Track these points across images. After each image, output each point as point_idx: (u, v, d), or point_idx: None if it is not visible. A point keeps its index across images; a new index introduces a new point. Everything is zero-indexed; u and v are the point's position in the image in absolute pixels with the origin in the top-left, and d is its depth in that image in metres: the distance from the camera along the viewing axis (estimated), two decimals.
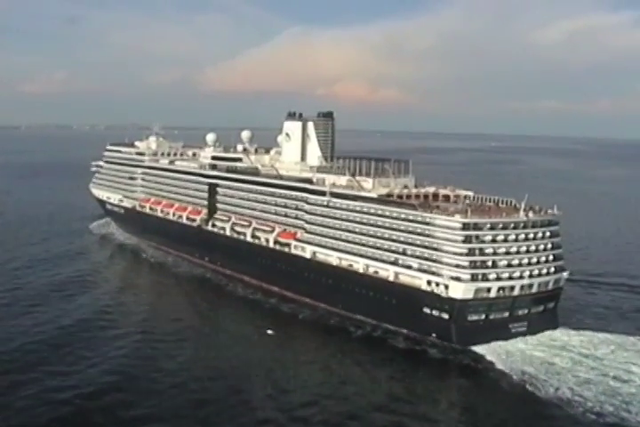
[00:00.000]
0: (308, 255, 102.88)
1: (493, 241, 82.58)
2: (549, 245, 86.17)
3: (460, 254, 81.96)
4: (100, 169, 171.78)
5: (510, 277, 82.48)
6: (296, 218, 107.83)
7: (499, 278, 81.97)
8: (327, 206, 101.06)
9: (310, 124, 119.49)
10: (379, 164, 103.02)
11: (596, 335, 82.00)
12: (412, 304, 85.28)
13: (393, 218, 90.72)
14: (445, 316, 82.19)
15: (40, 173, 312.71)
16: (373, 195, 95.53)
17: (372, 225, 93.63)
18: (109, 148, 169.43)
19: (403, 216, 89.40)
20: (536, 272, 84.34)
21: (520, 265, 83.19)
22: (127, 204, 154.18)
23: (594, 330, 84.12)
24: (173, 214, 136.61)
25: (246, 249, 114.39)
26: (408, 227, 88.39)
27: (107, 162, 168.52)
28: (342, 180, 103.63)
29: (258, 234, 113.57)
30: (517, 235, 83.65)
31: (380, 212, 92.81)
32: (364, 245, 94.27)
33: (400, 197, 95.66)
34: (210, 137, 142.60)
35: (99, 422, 61.54)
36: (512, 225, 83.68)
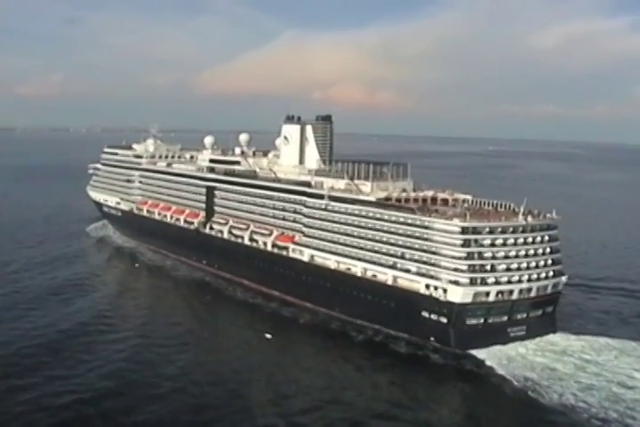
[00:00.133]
0: (305, 259, 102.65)
1: (492, 245, 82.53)
2: (548, 250, 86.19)
3: (459, 258, 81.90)
4: (97, 171, 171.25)
5: (509, 282, 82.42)
6: (294, 221, 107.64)
7: (497, 282, 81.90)
8: (325, 210, 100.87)
9: (309, 128, 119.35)
10: (377, 167, 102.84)
11: (596, 340, 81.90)
12: (411, 308, 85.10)
13: (391, 222, 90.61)
14: (444, 320, 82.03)
15: (36, 175, 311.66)
16: (372, 198, 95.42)
17: (370, 229, 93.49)
18: (107, 150, 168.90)
19: (401, 220, 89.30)
20: (535, 276, 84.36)
21: (519, 269, 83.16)
22: (124, 206, 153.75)
23: (594, 335, 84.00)
24: (171, 217, 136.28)
25: (244, 252, 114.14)
26: (407, 231, 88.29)
27: (104, 164, 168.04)
28: (341, 183, 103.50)
29: (256, 237, 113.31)
30: (516, 239, 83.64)
31: (378, 215, 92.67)
32: (362, 248, 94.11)
33: (399, 200, 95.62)
34: (208, 140, 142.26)
35: None
36: (511, 229, 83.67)
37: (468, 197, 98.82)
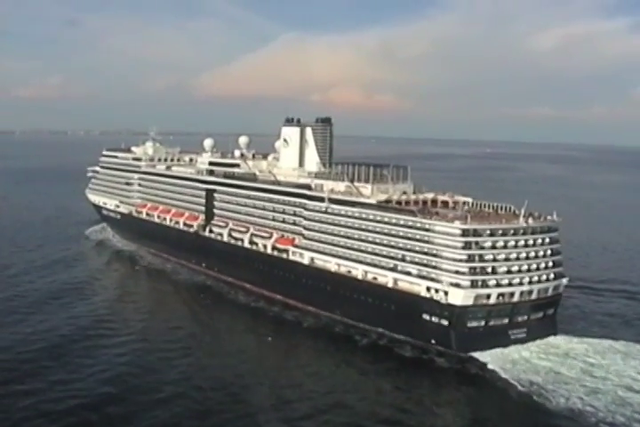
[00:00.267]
0: (306, 261, 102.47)
1: (493, 247, 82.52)
2: (549, 252, 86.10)
3: (460, 261, 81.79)
4: (96, 174, 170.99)
5: (510, 284, 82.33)
6: (294, 224, 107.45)
7: (498, 285, 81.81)
8: (326, 212, 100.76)
9: (308, 130, 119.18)
10: (377, 170, 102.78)
11: (600, 343, 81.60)
12: (412, 311, 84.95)
13: (392, 224, 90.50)
14: (445, 322, 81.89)
15: (36, 178, 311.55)
16: (372, 201, 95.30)
17: (370, 231, 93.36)
18: (106, 153, 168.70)
19: (402, 222, 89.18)
20: (536, 279, 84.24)
21: (520, 271, 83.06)
22: (124, 209, 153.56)
23: (598, 337, 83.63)
24: (170, 220, 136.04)
25: (244, 255, 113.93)
26: (407, 233, 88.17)
27: (103, 167, 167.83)
28: (341, 186, 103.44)
29: (255, 240, 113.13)
30: (517, 241, 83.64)
31: (379, 218, 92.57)
32: (362, 251, 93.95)
33: (399, 203, 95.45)
34: (207, 143, 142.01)
35: None
36: (512, 231, 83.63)
37: (469, 200, 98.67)
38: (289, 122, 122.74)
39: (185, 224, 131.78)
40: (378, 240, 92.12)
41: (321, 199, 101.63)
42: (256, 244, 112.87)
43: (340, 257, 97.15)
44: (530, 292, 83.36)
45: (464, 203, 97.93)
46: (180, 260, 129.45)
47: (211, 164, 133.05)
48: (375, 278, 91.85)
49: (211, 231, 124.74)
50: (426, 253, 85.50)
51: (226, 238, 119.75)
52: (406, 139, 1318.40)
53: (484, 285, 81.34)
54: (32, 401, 65.05)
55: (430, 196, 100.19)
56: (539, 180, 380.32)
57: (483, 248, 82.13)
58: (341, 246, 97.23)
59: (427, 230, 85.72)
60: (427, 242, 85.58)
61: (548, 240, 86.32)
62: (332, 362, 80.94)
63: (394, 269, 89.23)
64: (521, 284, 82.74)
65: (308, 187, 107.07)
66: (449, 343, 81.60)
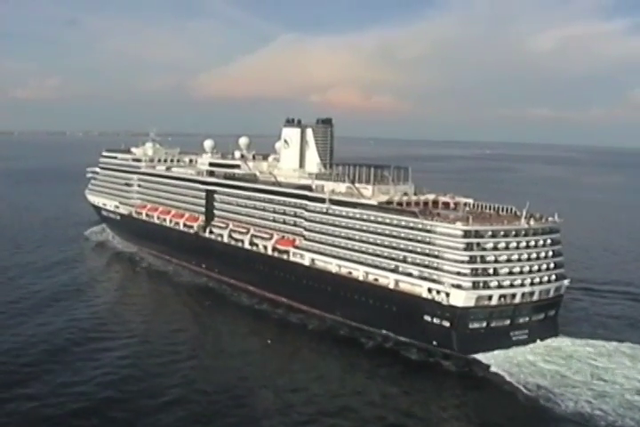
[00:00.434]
0: (306, 263, 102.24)
1: (495, 249, 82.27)
2: (550, 253, 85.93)
3: (462, 262, 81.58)
4: (95, 175, 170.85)
5: (512, 285, 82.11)
6: (295, 225, 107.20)
7: (500, 286, 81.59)
8: (327, 214, 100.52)
9: (309, 131, 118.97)
10: (378, 171, 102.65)
11: (605, 345, 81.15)
12: (413, 312, 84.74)
13: (393, 225, 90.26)
14: (446, 324, 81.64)
15: (35, 178, 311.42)
16: (373, 202, 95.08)
17: (372, 232, 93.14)
18: (105, 154, 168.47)
19: (403, 223, 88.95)
20: (537, 280, 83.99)
21: (521, 273, 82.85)
22: (123, 210, 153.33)
23: (603, 340, 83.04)
24: (170, 221, 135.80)
25: (244, 256, 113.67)
26: (408, 234, 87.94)
27: (102, 168, 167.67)
28: (342, 187, 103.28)
29: (256, 241, 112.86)
30: (519, 242, 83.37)
31: (380, 219, 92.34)
32: (363, 252, 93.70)
33: (400, 204, 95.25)
34: (207, 143, 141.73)
35: None
36: (513, 233, 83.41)
37: (470, 201, 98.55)
38: (289, 123, 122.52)
39: (185, 225, 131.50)
40: (379, 241, 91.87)
41: (322, 200, 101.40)
42: (256, 245, 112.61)
43: (340, 258, 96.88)
44: (531, 293, 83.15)
45: (465, 204, 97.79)
46: (179, 261, 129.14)
47: (211, 165, 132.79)
48: (376, 280, 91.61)
49: (211, 232, 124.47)
50: (427, 255, 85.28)
51: (226, 239, 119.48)
52: (405, 140, 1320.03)
53: (486, 286, 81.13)
54: (34, 405, 64.40)
55: (431, 197, 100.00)
56: (539, 181, 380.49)
57: (484, 249, 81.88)
58: (342, 248, 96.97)
59: (428, 232, 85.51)
60: (428, 243, 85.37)
61: (549, 241, 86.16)
62: (338, 365, 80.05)
63: (395, 271, 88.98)
64: (522, 285, 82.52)
65: (308, 188, 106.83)
66: (450, 345, 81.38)
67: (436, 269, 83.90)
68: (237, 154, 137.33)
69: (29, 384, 69.35)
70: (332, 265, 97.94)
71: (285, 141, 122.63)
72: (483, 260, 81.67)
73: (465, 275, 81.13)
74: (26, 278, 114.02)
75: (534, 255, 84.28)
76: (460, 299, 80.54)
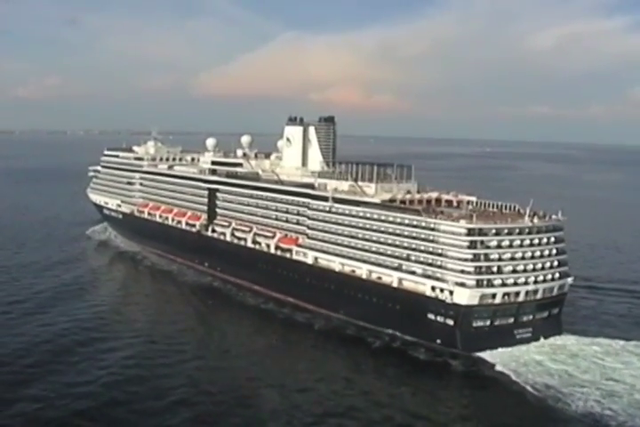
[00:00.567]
0: (309, 261, 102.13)
1: (498, 247, 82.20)
2: (554, 251, 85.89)
3: (465, 260, 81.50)
4: (97, 174, 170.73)
5: (515, 283, 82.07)
6: (297, 223, 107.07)
7: (504, 284, 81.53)
8: (329, 212, 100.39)
9: (311, 129, 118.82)
10: (381, 169, 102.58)
11: (611, 344, 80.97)
12: (417, 310, 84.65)
13: (397, 223, 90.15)
14: (450, 322, 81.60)
15: (36, 178, 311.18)
16: (376, 200, 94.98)
17: (375, 231, 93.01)
18: (107, 152, 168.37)
19: (407, 222, 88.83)
20: (541, 278, 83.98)
21: (525, 271, 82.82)
22: (125, 209, 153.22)
23: (610, 338, 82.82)
24: (172, 220, 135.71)
25: (247, 255, 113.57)
26: (412, 232, 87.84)
27: (104, 167, 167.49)
28: (344, 185, 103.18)
29: (259, 240, 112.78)
30: (522, 240, 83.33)
31: (383, 217, 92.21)
32: (367, 250, 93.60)
33: (403, 202, 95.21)
34: (210, 142, 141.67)
35: None
36: (517, 231, 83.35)
37: (473, 199, 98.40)
38: (292, 121, 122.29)
39: (187, 224, 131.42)
40: (382, 239, 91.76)
41: (325, 198, 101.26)
42: (259, 243, 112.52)
43: (344, 256, 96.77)
44: (535, 291, 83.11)
45: (468, 202, 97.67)
46: (182, 259, 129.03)
47: (213, 163, 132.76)
48: (380, 278, 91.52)
49: (213, 231, 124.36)
50: (431, 253, 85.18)
51: (229, 238, 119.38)
52: (405, 138, 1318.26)
53: (490, 284, 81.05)
54: (39, 406, 64.10)
55: (434, 195, 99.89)
56: (540, 179, 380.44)
57: (488, 247, 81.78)
58: (345, 246, 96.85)
59: (432, 229, 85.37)
60: (432, 241, 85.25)
61: (553, 239, 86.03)
62: (344, 365, 79.48)
63: (398, 269, 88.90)
64: (526, 283, 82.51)
65: (311, 186, 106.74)
66: (454, 343, 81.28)
67: (439, 267, 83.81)
68: (240, 152, 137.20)
69: (34, 385, 69.03)
70: (336, 263, 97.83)
71: (288, 140, 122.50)
72: (486, 258, 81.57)
73: (469, 273, 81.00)
74: (29, 278, 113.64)
75: (538, 253, 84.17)
76: (464, 297, 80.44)
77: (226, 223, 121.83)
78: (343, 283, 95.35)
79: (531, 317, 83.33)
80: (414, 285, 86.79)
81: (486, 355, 78.63)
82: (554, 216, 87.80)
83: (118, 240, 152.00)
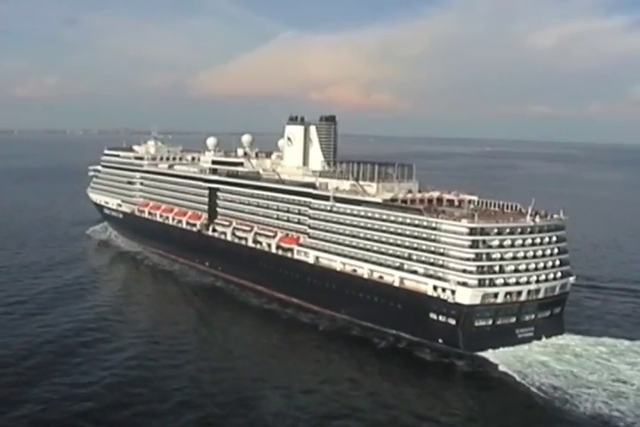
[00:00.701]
0: (311, 260, 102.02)
1: (500, 246, 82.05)
2: (556, 250, 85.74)
3: (467, 260, 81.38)
4: (97, 173, 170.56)
5: (517, 283, 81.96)
6: (298, 223, 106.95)
7: (506, 284, 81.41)
8: (331, 211, 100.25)
9: (312, 129, 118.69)
10: (382, 168, 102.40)
11: (616, 344, 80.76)
12: (418, 310, 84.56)
13: (398, 223, 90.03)
14: (452, 321, 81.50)
15: (35, 177, 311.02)
16: (378, 199, 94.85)
17: (376, 230, 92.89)
18: (107, 152, 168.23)
19: (408, 221, 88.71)
20: (543, 277, 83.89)
21: (527, 270, 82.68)
22: (126, 208, 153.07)
23: (615, 338, 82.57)
24: (173, 219, 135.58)
25: (248, 254, 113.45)
26: (414, 232, 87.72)
27: (104, 166, 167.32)
28: (346, 184, 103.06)
29: (259, 239, 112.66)
30: (524, 240, 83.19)
31: (384, 217, 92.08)
32: (368, 250, 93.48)
33: (404, 201, 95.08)
34: (210, 141, 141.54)
35: None
36: (519, 230, 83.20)
37: (474, 198, 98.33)
38: (292, 120, 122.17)
39: (188, 223, 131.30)
40: (384, 239, 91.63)
41: (326, 198, 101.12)
42: (260, 243, 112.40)
43: (345, 256, 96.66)
44: (537, 290, 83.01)
45: (470, 201, 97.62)
46: (183, 259, 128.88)
47: (214, 162, 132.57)
48: (381, 277, 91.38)
49: (214, 230, 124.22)
50: (433, 252, 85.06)
51: (229, 237, 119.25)
52: (405, 138, 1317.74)
53: (492, 283, 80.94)
54: (41, 407, 63.85)
55: (436, 194, 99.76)
56: (541, 178, 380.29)
57: (490, 247, 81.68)
58: (347, 245, 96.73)
59: (433, 229, 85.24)
60: (433, 240, 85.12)
61: (555, 239, 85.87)
62: (349, 366, 78.72)
63: (400, 268, 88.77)
64: (528, 282, 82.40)
65: (312, 185, 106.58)
66: (456, 343, 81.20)
67: (441, 266, 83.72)
68: (240, 152, 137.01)
69: (36, 386, 68.65)
70: (337, 263, 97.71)
71: (289, 139, 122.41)
72: (488, 257, 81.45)
73: (471, 272, 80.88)
74: (30, 278, 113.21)
75: (540, 253, 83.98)
76: (466, 297, 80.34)
77: (226, 223, 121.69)
78: (345, 282, 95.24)
79: (533, 316, 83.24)
80: (416, 284, 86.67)
81: (489, 355, 78.42)
82: (555, 215, 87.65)
83: (119, 240, 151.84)
